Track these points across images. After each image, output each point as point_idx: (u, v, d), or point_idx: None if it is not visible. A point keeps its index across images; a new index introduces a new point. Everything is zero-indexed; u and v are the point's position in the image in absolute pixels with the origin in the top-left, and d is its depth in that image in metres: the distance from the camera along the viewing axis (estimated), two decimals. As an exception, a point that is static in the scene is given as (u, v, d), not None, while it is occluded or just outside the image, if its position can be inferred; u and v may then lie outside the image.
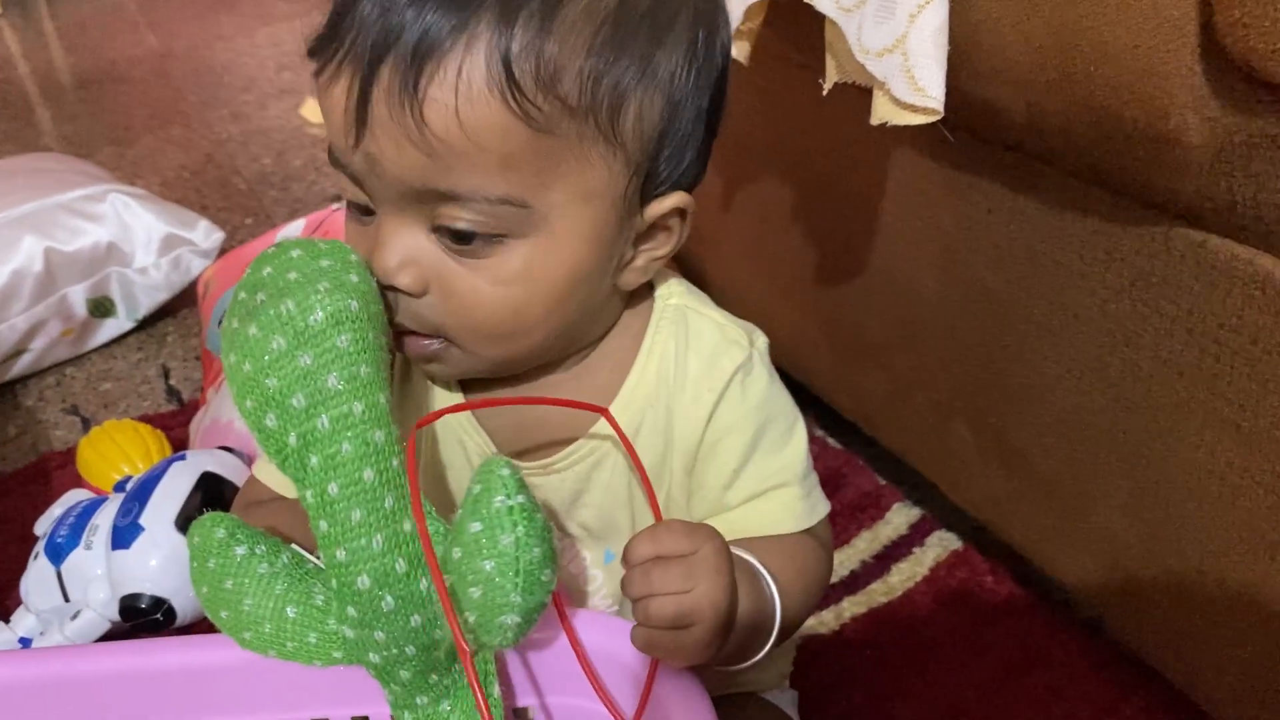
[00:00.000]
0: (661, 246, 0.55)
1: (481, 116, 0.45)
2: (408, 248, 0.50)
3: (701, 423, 0.57)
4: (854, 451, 1.07)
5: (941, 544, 0.97)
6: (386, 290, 0.51)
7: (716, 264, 1.15)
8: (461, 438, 0.59)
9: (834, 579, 0.94)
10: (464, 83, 0.45)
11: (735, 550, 0.54)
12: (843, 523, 1.00)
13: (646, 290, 0.59)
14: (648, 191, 0.52)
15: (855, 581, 0.95)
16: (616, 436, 0.55)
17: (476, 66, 0.45)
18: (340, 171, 0.51)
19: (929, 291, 0.82)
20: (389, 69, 0.45)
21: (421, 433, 0.56)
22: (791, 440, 0.59)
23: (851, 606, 0.93)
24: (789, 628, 0.56)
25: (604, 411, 0.55)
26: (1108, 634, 0.83)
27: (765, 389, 0.58)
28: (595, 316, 0.56)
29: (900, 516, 1.01)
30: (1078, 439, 0.73)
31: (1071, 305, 0.69)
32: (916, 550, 0.97)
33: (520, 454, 0.58)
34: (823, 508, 0.61)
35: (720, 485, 0.58)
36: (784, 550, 0.58)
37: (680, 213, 0.54)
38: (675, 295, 0.59)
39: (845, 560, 0.97)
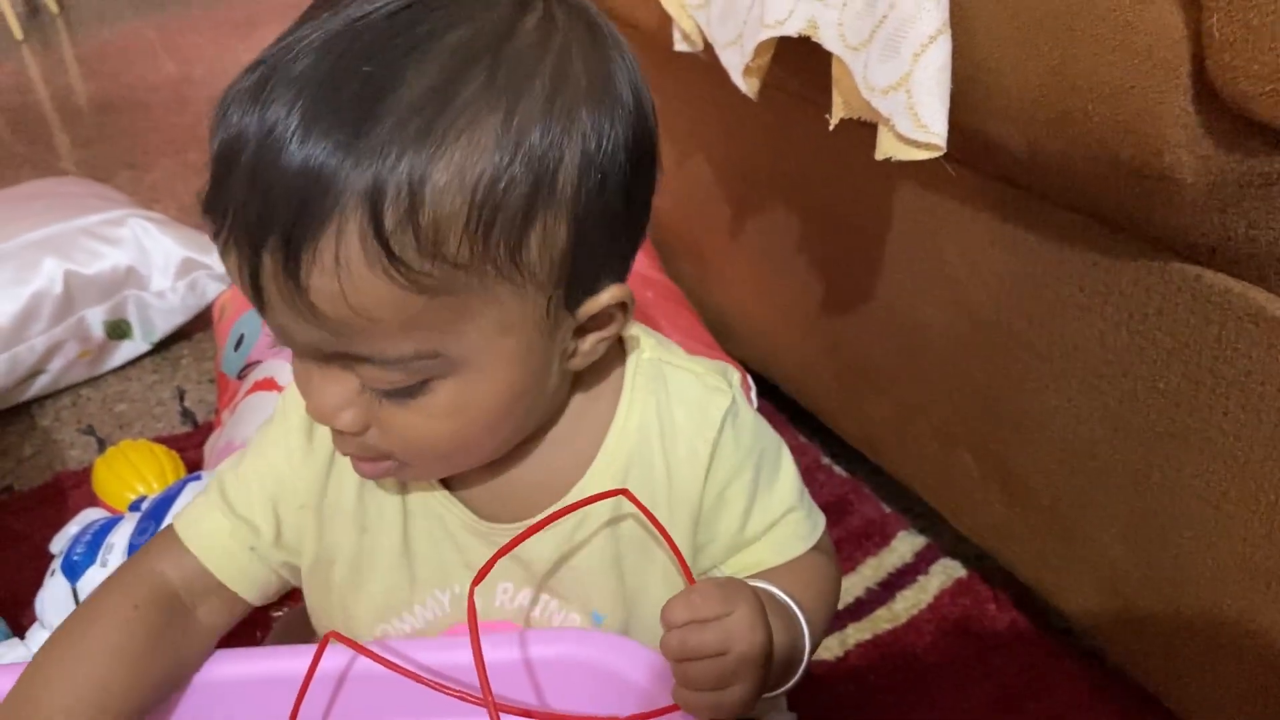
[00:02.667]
0: (607, 329, 0.53)
1: (368, 295, 0.44)
2: (339, 394, 0.49)
3: (700, 474, 0.57)
4: (859, 479, 1.08)
5: (945, 572, 0.98)
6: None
7: (724, 292, 1.17)
8: (440, 513, 0.58)
9: (840, 606, 0.95)
10: (343, 267, 0.43)
11: (762, 585, 0.56)
12: (848, 550, 1.01)
13: (616, 347, 0.58)
14: (574, 296, 0.50)
15: (860, 608, 0.96)
16: (593, 495, 0.56)
17: (352, 249, 0.43)
18: None
19: (932, 321, 0.83)
20: (269, 256, 0.44)
21: (387, 517, 0.58)
22: (782, 465, 0.61)
23: (856, 633, 0.93)
24: (815, 645, 0.58)
25: (625, 493, 0.56)
26: (1109, 661, 0.84)
27: (752, 426, 0.59)
28: (549, 402, 0.55)
29: (905, 544, 1.01)
30: (1077, 467, 0.74)
31: (1070, 336, 0.70)
32: (921, 578, 0.98)
33: (502, 519, 0.58)
34: (821, 519, 0.63)
35: (733, 530, 0.59)
36: (800, 574, 0.60)
37: (620, 304, 0.52)
38: (647, 350, 0.59)
39: (850, 587, 0.98)
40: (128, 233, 1.35)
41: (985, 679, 0.88)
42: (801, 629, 0.55)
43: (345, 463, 0.56)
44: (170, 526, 0.61)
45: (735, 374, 0.61)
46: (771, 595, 0.55)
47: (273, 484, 0.59)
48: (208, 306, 1.38)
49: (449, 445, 0.52)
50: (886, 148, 0.66)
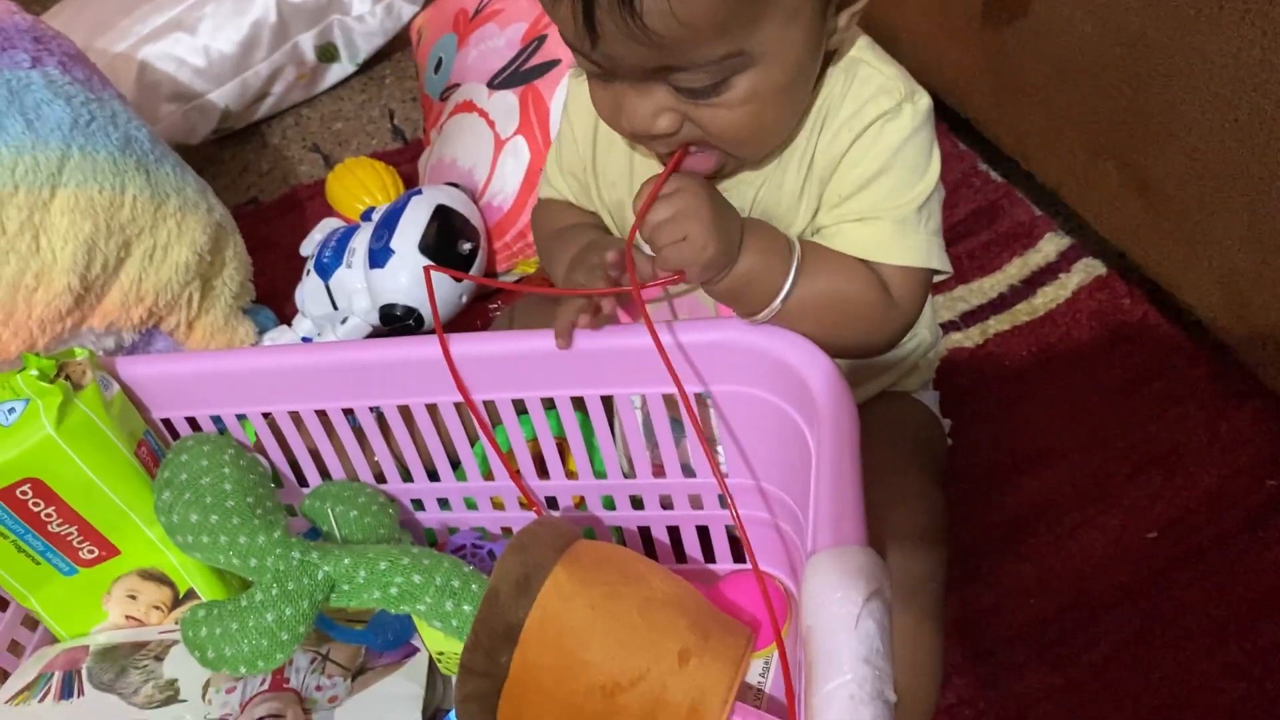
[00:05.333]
0: (858, 3, 0.60)
1: (692, 7, 0.53)
2: (653, 104, 0.60)
3: (836, 159, 0.65)
4: (1012, 184, 1.14)
5: (1086, 270, 1.05)
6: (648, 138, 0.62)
7: (887, 3, 1.19)
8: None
9: (982, 301, 1.05)
10: None
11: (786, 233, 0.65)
12: (996, 250, 1.09)
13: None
14: None
15: (1002, 302, 1.05)
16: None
17: None
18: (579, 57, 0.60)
19: (1083, 35, 0.86)
20: None
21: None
22: (912, 190, 0.64)
23: (996, 324, 1.03)
24: (808, 322, 0.64)
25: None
26: (1229, 352, 0.91)
27: (903, 138, 0.64)
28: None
29: (1050, 245, 1.08)
30: (1207, 176, 0.79)
31: (1209, 52, 0.73)
32: (1062, 275, 1.05)
33: None
34: (907, 257, 0.65)
35: (832, 200, 0.66)
36: (843, 268, 0.64)
37: None
38: (855, 48, 0.65)
39: (995, 284, 1.06)
40: (326, -41, 1.45)
41: (1113, 364, 0.97)
42: (788, 268, 0.63)
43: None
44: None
45: (925, 99, 0.65)
46: (779, 234, 0.64)
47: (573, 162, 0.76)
48: (404, 28, 1.48)
49: (750, 129, 0.61)
50: None
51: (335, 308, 1.07)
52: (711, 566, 0.81)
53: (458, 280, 1.04)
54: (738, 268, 0.62)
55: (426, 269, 0.74)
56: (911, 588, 0.70)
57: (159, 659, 0.77)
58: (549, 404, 0.74)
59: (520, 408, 0.74)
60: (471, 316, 1.11)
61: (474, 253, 1.06)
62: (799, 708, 0.57)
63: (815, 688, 0.51)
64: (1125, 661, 0.79)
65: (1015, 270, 1.07)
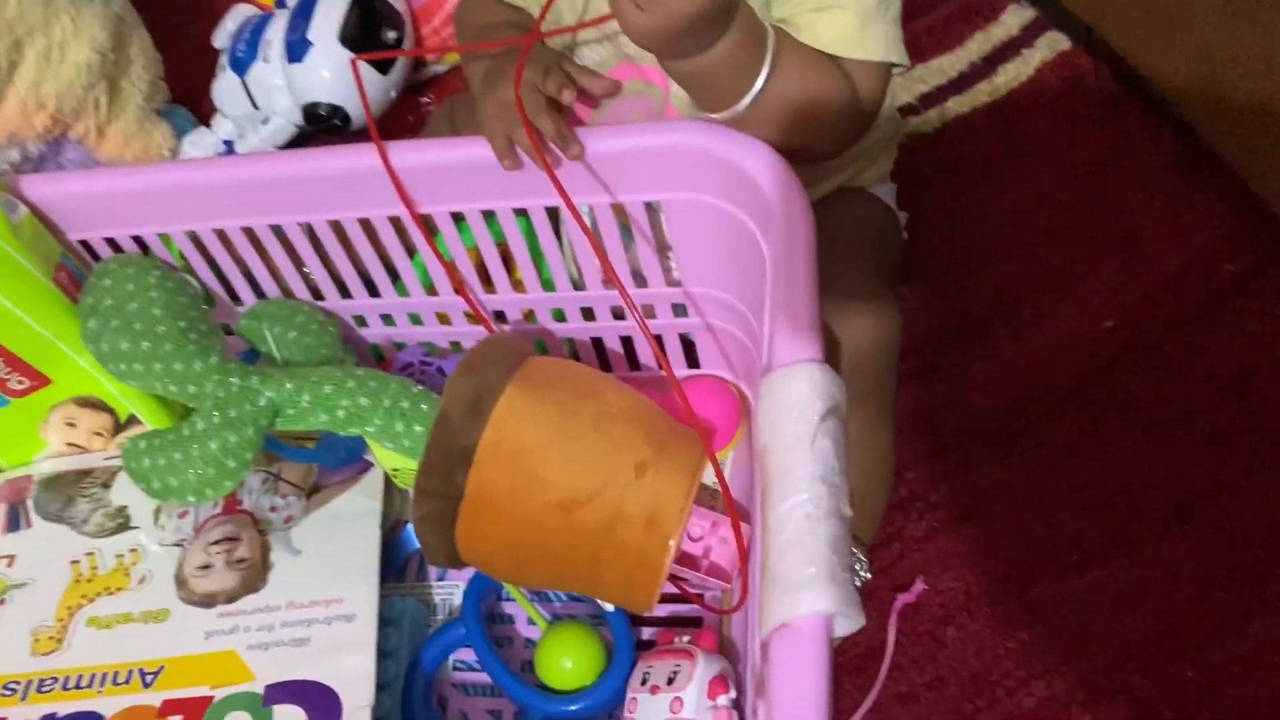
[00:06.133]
0: None
1: None
2: None
3: None
4: (974, -49, 1.07)
5: (1050, 45, 1.00)
6: None
7: None
8: None
9: (941, 81, 1.00)
10: None
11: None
12: (956, 24, 1.03)
13: None
14: None
15: (962, 82, 1.00)
16: None
17: None
18: None
19: None
20: None
21: None
22: None
23: (956, 106, 0.99)
24: (774, 123, 0.60)
25: None
26: (1195, 135, 0.89)
27: None
28: None
29: (1014, 18, 1.02)
30: (1184, -56, 0.74)
31: None
32: (1025, 51, 1.00)
33: None
34: (870, 49, 0.62)
35: None
36: (807, 56, 0.61)
37: None
38: None
39: (954, 62, 1.01)
40: None
41: (1076, 145, 0.94)
42: (760, 64, 0.58)
43: None
44: None
45: None
46: (761, 24, 0.59)
47: None
48: None
49: None
50: None
51: (255, 107, 1.00)
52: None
53: (383, 73, 0.97)
54: (706, 57, 0.57)
55: (354, 60, 0.68)
56: (864, 394, 0.69)
57: (105, 486, 0.76)
58: (488, 212, 0.70)
59: (457, 216, 0.71)
60: (403, 112, 1.04)
61: (399, 41, 0.99)
62: (755, 524, 0.58)
63: (772, 506, 0.50)
64: (1078, 452, 0.80)
65: (976, 46, 1.02)
